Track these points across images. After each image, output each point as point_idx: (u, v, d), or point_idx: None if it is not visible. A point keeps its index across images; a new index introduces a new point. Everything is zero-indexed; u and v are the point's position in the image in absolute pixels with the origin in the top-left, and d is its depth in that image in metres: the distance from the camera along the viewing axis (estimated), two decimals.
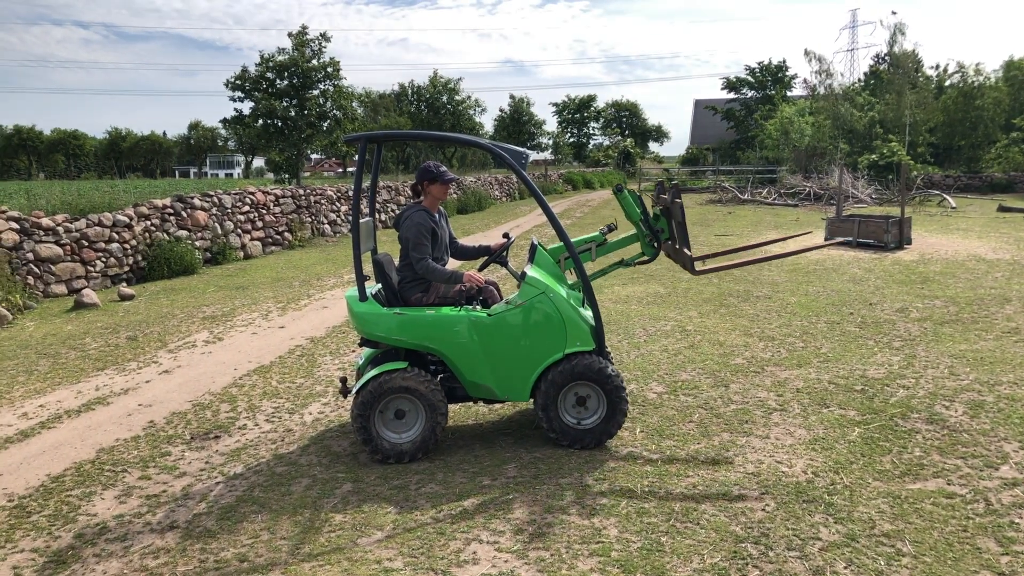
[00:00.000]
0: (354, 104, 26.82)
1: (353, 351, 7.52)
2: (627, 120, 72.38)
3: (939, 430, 5.09)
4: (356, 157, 4.93)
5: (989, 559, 3.49)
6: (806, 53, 40.66)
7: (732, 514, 3.98)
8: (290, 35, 24.30)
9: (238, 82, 24.07)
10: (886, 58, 40.59)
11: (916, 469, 4.50)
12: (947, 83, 42.16)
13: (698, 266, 5.21)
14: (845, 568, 3.44)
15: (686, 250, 5.01)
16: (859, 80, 44.93)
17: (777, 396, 5.88)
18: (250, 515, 4.14)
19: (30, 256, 10.78)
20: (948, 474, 4.42)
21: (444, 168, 5.15)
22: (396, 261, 5.28)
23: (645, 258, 5.40)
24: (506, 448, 5.01)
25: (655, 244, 5.30)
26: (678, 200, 5.07)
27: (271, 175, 27.70)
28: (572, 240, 4.98)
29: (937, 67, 47.95)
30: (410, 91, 49.54)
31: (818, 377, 6.33)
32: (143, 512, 4.22)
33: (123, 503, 4.34)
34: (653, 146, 74.57)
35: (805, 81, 42.09)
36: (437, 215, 5.18)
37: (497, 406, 5.78)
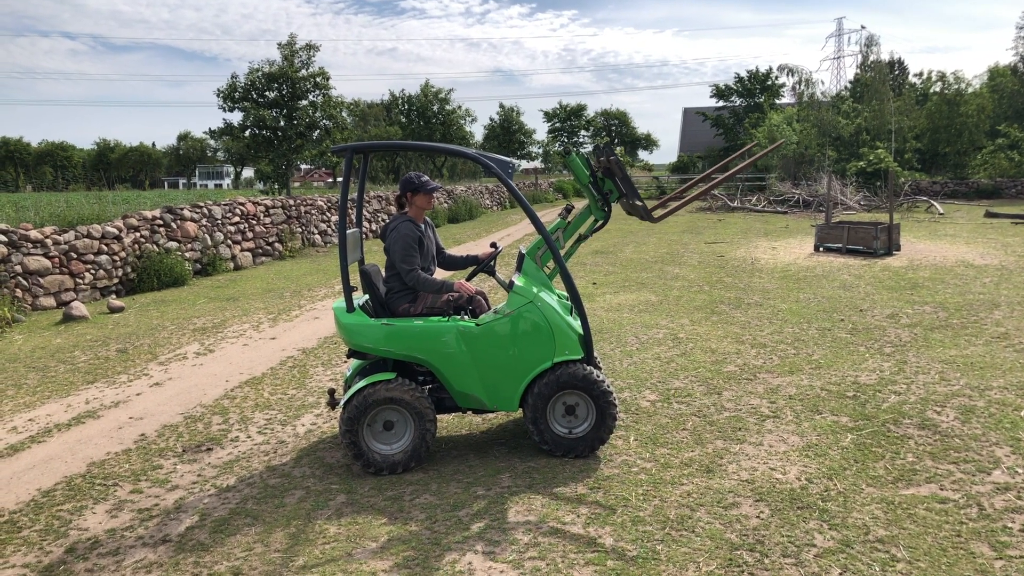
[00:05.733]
0: (344, 114, 26.76)
1: (345, 362, 7.49)
2: (616, 128, 72.68)
3: (931, 435, 5.11)
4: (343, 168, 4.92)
5: (983, 563, 3.51)
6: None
7: (727, 522, 3.99)
8: (279, 45, 24.34)
9: (229, 91, 24.06)
10: (871, 66, 40.94)
11: (909, 475, 4.52)
12: (931, 90, 42.53)
13: (655, 213, 5.31)
14: (840, 574, 3.44)
15: (638, 201, 5.10)
16: (845, 87, 45.29)
17: (770, 403, 5.90)
18: (243, 528, 4.11)
19: (18, 269, 10.71)
20: (941, 479, 4.44)
21: (426, 178, 5.15)
22: (383, 272, 5.28)
23: (599, 223, 5.37)
24: (500, 458, 5.00)
25: (606, 208, 5.29)
26: (613, 156, 5.14)
27: (260, 185, 27.59)
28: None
29: (920, 75, 48.46)
30: (400, 100, 49.53)
31: (810, 384, 6.35)
32: (135, 526, 4.19)
33: (115, 517, 4.31)
34: (643, 154, 74.87)
35: (793, 89, 42.43)
36: (423, 225, 5.18)
37: (490, 416, 5.77)
